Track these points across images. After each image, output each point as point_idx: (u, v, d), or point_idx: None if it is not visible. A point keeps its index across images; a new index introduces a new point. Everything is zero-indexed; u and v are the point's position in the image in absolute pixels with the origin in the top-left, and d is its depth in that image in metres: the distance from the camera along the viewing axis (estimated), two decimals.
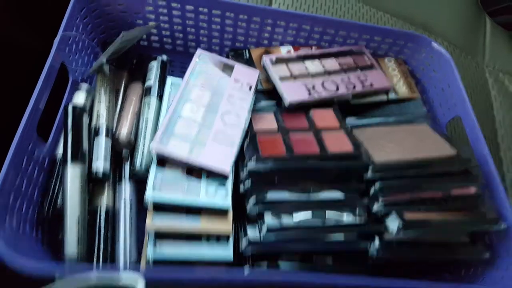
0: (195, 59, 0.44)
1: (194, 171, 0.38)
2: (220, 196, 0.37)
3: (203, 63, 0.45)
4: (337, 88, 0.48)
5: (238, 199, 0.39)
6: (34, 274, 0.26)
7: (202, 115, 0.41)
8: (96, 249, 0.35)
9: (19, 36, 0.44)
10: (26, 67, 0.41)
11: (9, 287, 0.29)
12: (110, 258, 0.36)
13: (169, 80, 0.44)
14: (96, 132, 0.38)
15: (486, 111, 0.71)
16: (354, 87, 0.49)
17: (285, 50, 0.53)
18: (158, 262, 0.34)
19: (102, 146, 0.38)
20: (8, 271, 0.26)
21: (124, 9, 0.48)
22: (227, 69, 0.45)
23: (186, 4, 0.47)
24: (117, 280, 0.28)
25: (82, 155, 0.35)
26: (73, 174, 0.34)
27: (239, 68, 0.46)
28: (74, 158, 0.35)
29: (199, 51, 0.45)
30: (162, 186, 0.36)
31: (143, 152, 0.40)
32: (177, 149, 0.38)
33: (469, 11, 0.86)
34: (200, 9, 0.48)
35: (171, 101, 0.42)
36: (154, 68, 0.45)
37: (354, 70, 0.52)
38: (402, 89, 0.54)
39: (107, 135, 0.39)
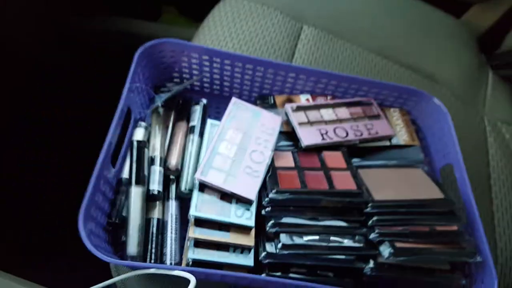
0: (230, 106, 0.55)
1: (226, 196, 0.48)
2: (246, 217, 0.47)
3: (237, 109, 0.55)
4: (347, 134, 0.58)
5: (260, 220, 0.49)
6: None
7: (234, 152, 0.51)
8: (149, 251, 0.45)
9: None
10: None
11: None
12: (160, 259, 0.46)
13: (209, 122, 0.55)
14: (152, 162, 0.49)
15: (481, 156, 0.79)
16: (362, 134, 0.59)
17: (304, 98, 0.63)
18: (195, 263, 0.44)
19: (156, 172, 0.48)
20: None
21: (175, 60, 0.59)
22: (256, 115, 0.56)
23: (224, 59, 0.58)
24: (170, 272, 0.38)
25: (143, 180, 0.46)
26: (136, 194, 0.45)
27: (266, 114, 0.56)
28: (137, 182, 0.46)
29: (233, 100, 0.56)
30: (201, 207, 0.46)
31: (187, 179, 0.50)
32: (214, 179, 0.48)
33: (473, 64, 0.95)
34: (236, 63, 0.59)
35: (211, 139, 0.52)
36: (197, 111, 0.56)
37: (362, 118, 0.61)
38: (404, 136, 0.63)
39: (160, 164, 0.49)
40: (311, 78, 0.62)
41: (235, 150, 0.51)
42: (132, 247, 0.43)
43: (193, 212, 0.45)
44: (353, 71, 0.78)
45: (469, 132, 0.81)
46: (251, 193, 0.48)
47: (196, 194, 0.47)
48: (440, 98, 0.82)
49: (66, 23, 0.94)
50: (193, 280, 0.37)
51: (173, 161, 0.50)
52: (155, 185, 0.47)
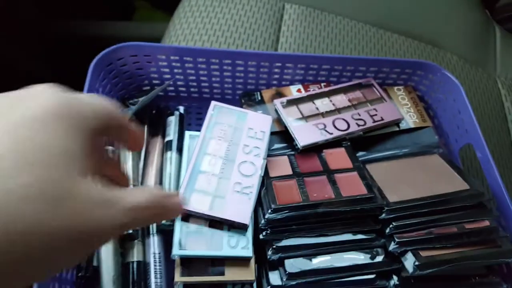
0: (209, 111, 0.47)
1: (216, 223, 0.41)
2: (241, 246, 0.40)
3: (217, 114, 0.47)
4: (348, 126, 0.50)
5: (259, 245, 0.42)
6: None
7: (220, 167, 0.43)
8: None
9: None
10: None
11: None
12: None
13: (187, 134, 0.47)
14: None
15: (500, 124, 0.71)
16: (365, 123, 0.51)
17: (295, 90, 0.55)
18: None
19: None
20: None
21: (140, 66, 0.51)
22: (241, 118, 0.48)
23: (198, 57, 0.50)
24: None
25: None
26: None
27: (252, 116, 0.48)
28: None
29: (212, 104, 0.48)
30: (187, 242, 0.39)
31: None
32: (198, 204, 0.40)
33: (477, 22, 0.86)
34: (212, 60, 0.51)
35: (190, 155, 0.44)
36: (172, 123, 0.48)
37: (363, 104, 0.53)
38: (414, 118, 0.55)
39: None
40: (299, 65, 0.53)
41: (220, 164, 0.44)
42: None
43: (177, 251, 0.37)
44: (347, 49, 0.70)
45: (483, 99, 0.73)
46: (245, 216, 0.40)
47: (178, 226, 0.39)
48: (447, 66, 0.74)
49: (30, 25, 0.86)
50: None
51: (150, 186, 0.43)
52: None
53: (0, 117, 0.17)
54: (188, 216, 0.40)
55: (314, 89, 0.55)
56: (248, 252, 0.39)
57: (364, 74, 0.57)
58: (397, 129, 0.54)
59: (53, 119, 0.18)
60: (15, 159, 0.16)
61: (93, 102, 0.21)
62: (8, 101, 0.18)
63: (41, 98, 0.18)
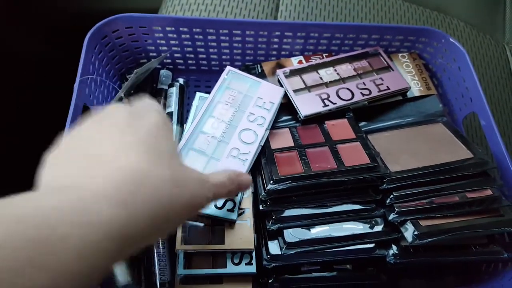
0: (223, 75, 0.46)
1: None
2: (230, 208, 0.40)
3: (230, 79, 0.47)
4: (352, 96, 0.49)
5: (258, 215, 0.42)
6: None
7: (222, 131, 0.43)
8: (136, 272, 0.39)
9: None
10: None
11: None
12: (148, 279, 0.40)
13: (198, 95, 0.47)
14: None
15: (507, 93, 0.70)
16: (370, 92, 0.49)
17: (296, 61, 0.53)
18: (188, 279, 0.39)
19: None
20: None
21: (136, 38, 0.50)
22: (254, 86, 0.47)
23: (193, 27, 0.49)
24: None
25: None
26: None
27: (265, 86, 0.47)
28: None
29: (228, 69, 0.47)
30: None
31: None
32: (194, 162, 0.40)
33: None
34: (208, 30, 0.49)
35: (196, 114, 0.44)
36: (173, 94, 0.47)
37: (369, 74, 0.52)
38: (418, 86, 0.54)
39: None
40: (299, 34, 0.52)
41: (222, 128, 0.43)
42: (122, 276, 0.37)
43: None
44: (349, 17, 0.68)
45: (490, 67, 0.71)
46: None
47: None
48: (453, 33, 0.72)
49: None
50: None
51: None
52: None
53: (131, 124, 0.23)
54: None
55: (316, 60, 0.53)
56: (233, 215, 0.40)
57: (366, 42, 0.55)
58: (400, 97, 0.52)
59: (163, 128, 0.25)
60: (155, 153, 0.22)
61: None
62: (132, 111, 0.25)
63: (153, 112, 0.25)
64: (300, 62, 0.53)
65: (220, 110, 0.44)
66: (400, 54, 0.57)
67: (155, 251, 0.41)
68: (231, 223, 0.40)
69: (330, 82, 0.50)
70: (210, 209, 0.39)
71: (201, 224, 0.40)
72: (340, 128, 0.47)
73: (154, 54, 0.52)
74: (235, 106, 0.45)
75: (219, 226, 0.40)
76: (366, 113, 0.51)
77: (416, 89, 0.53)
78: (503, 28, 0.80)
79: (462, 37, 0.72)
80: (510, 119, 0.66)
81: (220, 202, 0.40)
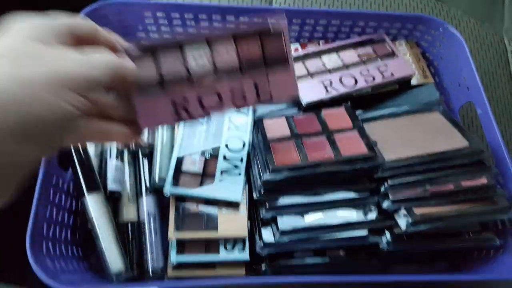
0: None
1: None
2: (232, 190, 0.41)
3: None
4: (356, 82, 0.48)
5: (252, 202, 0.42)
6: None
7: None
8: (129, 260, 0.39)
9: None
10: None
11: None
12: (139, 267, 0.40)
13: None
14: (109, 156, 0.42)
15: (504, 83, 0.69)
16: (374, 79, 0.49)
17: (292, 48, 0.53)
18: (181, 266, 0.39)
19: (112, 168, 0.41)
20: None
21: (126, 24, 0.49)
22: None
23: (185, 12, 0.48)
24: None
25: (96, 184, 0.39)
26: (93, 203, 0.37)
27: None
28: (89, 188, 0.38)
29: None
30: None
31: (160, 164, 0.42)
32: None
33: None
34: (200, 16, 0.49)
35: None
36: None
37: (373, 60, 0.51)
38: (415, 74, 0.53)
39: (117, 156, 0.42)
40: (294, 21, 0.51)
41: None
42: (115, 263, 0.36)
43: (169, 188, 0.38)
44: (345, 4, 0.67)
45: (488, 56, 0.71)
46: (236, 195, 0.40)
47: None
48: (451, 21, 0.71)
49: None
50: None
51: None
52: (111, 184, 0.40)
53: None
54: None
55: (316, 47, 0.53)
56: (238, 196, 0.40)
57: (362, 30, 0.54)
58: (397, 87, 0.52)
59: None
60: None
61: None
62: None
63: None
64: (296, 49, 0.53)
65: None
66: (397, 42, 0.57)
67: (147, 238, 0.41)
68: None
69: (334, 69, 0.50)
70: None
71: (194, 205, 0.40)
72: (337, 117, 0.46)
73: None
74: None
75: (212, 213, 0.40)
76: (363, 102, 0.50)
77: (413, 78, 0.53)
78: (501, 18, 0.79)
79: (460, 25, 0.72)
80: (506, 108, 0.66)
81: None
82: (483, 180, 0.42)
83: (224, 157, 0.42)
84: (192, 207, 0.40)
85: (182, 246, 0.40)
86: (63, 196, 0.39)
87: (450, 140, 0.44)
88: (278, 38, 0.33)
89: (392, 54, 0.52)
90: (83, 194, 0.38)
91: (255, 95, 0.33)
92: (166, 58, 0.30)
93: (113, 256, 0.37)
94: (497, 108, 0.65)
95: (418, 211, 0.40)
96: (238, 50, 0.31)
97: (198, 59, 0.30)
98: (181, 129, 0.43)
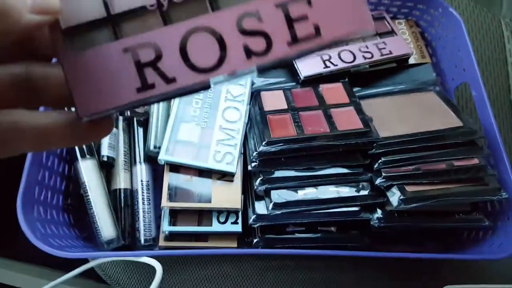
0: None
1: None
2: (226, 162, 0.41)
3: None
4: (354, 58, 0.48)
5: (246, 175, 0.42)
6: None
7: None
8: (120, 228, 0.38)
9: None
10: None
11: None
12: (132, 235, 0.40)
13: None
14: None
15: (500, 67, 0.69)
16: (372, 56, 0.48)
17: None
18: (174, 236, 0.39)
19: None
20: None
21: None
22: None
23: None
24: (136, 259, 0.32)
25: (90, 149, 0.38)
26: (86, 169, 0.37)
27: None
28: (83, 154, 0.38)
29: None
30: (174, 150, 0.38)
31: (156, 133, 0.42)
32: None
33: None
34: None
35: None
36: None
37: (372, 37, 0.51)
38: (413, 54, 0.53)
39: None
40: None
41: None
42: (107, 230, 0.36)
43: (163, 156, 0.38)
44: None
45: (485, 40, 0.70)
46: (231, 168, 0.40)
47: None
48: (450, 3, 0.71)
49: None
50: (159, 268, 0.30)
51: None
52: (105, 150, 0.39)
53: None
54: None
55: None
56: (232, 167, 0.39)
57: None
58: (395, 64, 0.52)
59: None
60: None
61: None
62: None
63: None
64: None
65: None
66: (397, 21, 0.56)
67: (140, 207, 0.41)
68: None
69: None
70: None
71: (188, 176, 0.39)
72: (334, 92, 0.46)
73: None
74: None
75: (206, 184, 0.40)
76: (360, 79, 0.50)
77: (411, 57, 0.52)
78: (500, 2, 0.79)
79: (460, 8, 0.71)
80: (501, 93, 0.66)
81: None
82: (475, 161, 0.42)
83: (220, 127, 0.42)
84: (186, 177, 0.40)
85: (175, 217, 0.40)
86: (56, 160, 0.38)
87: (444, 119, 0.45)
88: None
89: (391, 32, 0.52)
90: (77, 159, 0.37)
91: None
92: None
93: (105, 223, 0.37)
94: (491, 92, 0.65)
95: (410, 188, 0.40)
96: None
97: None
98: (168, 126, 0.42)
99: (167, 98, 0.19)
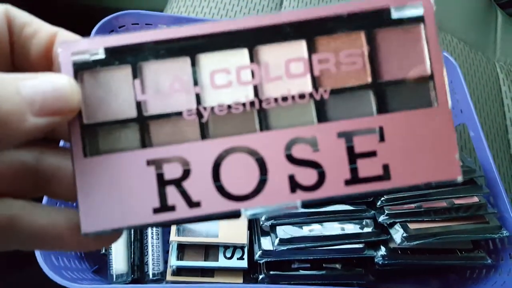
0: None
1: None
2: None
3: None
4: None
5: None
6: None
7: None
8: (131, 262, 0.39)
9: None
10: None
11: None
12: (141, 269, 0.41)
13: None
14: None
15: (496, 108, 0.72)
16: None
17: None
18: (181, 270, 0.40)
19: None
20: None
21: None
22: None
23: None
24: None
25: None
26: None
27: None
28: None
29: None
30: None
31: None
32: None
33: (478, 5, 0.86)
34: None
35: None
36: None
37: None
38: None
39: None
40: None
41: None
42: (120, 264, 0.37)
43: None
44: None
45: (481, 83, 0.73)
46: None
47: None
48: (446, 48, 0.74)
49: None
50: None
51: None
52: None
53: None
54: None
55: None
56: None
57: None
58: None
59: None
60: None
61: None
62: None
63: None
64: None
65: None
66: None
67: (149, 241, 0.42)
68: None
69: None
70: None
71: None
72: None
73: None
74: None
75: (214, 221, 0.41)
76: None
77: None
78: (494, 46, 0.82)
79: (455, 52, 0.75)
80: (499, 134, 0.68)
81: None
82: (474, 199, 0.43)
83: None
84: None
85: (182, 252, 0.41)
86: None
87: None
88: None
89: None
90: None
91: (347, 169, 0.16)
92: (153, 72, 0.16)
93: (119, 257, 0.38)
94: (489, 132, 0.67)
95: (412, 226, 0.41)
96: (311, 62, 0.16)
97: (220, 76, 0.16)
98: None
99: (187, 222, 0.16)
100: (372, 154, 0.15)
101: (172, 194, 0.15)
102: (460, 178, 0.16)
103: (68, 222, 0.15)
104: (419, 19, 0.16)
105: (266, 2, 0.67)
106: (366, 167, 0.15)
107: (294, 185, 0.15)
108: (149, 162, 0.15)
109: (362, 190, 0.15)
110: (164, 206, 0.15)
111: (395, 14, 0.16)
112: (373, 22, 0.16)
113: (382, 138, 0.15)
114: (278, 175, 0.15)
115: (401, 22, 0.16)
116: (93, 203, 0.15)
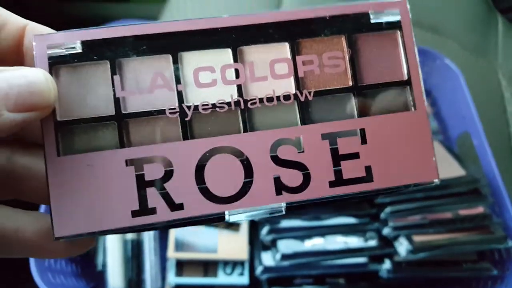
0: None
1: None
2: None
3: None
4: None
5: (252, 225, 0.42)
6: None
7: None
8: (127, 279, 0.38)
9: None
10: None
11: None
12: (138, 285, 0.40)
13: None
14: None
15: (499, 115, 0.71)
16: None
17: None
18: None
19: None
20: None
21: None
22: None
23: None
24: None
25: None
26: None
27: None
28: None
29: None
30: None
31: None
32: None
33: (479, 10, 0.85)
34: None
35: None
36: None
37: None
38: None
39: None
40: None
41: None
42: (116, 280, 0.36)
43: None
44: None
45: (483, 89, 0.73)
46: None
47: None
48: (448, 54, 0.73)
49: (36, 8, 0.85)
50: None
51: None
52: None
53: None
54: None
55: None
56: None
57: None
58: None
59: None
60: None
61: None
62: None
63: None
64: None
65: None
66: None
67: (147, 258, 0.41)
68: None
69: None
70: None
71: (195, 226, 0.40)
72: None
73: None
74: None
75: (212, 234, 0.40)
76: None
77: None
78: (495, 52, 0.82)
79: (456, 58, 0.74)
80: (503, 142, 0.67)
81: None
82: (480, 209, 0.42)
83: None
84: (192, 227, 0.40)
85: (181, 268, 0.40)
86: None
87: (448, 168, 0.45)
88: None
89: None
90: None
91: (331, 170, 0.16)
92: (133, 68, 0.16)
93: (116, 273, 0.37)
94: (493, 141, 0.66)
95: (417, 238, 0.40)
96: (295, 63, 0.16)
97: (204, 74, 0.16)
98: None
99: (169, 227, 0.15)
100: (355, 156, 0.16)
101: (153, 196, 0.14)
102: (436, 181, 0.16)
103: (39, 227, 0.14)
104: (396, 25, 0.17)
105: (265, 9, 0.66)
106: (349, 169, 0.16)
107: (280, 186, 0.15)
108: (128, 162, 0.14)
109: (346, 192, 0.16)
110: (144, 209, 0.14)
111: (373, 19, 0.17)
112: (353, 26, 0.17)
113: (364, 141, 0.16)
114: (263, 176, 0.15)
115: (380, 27, 0.17)
116: (67, 205, 0.14)
